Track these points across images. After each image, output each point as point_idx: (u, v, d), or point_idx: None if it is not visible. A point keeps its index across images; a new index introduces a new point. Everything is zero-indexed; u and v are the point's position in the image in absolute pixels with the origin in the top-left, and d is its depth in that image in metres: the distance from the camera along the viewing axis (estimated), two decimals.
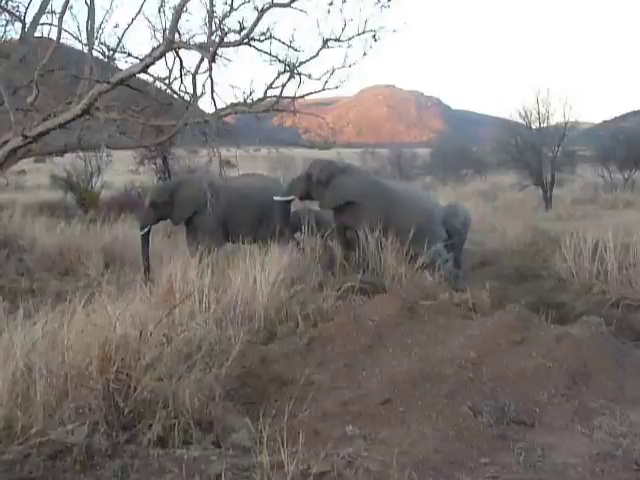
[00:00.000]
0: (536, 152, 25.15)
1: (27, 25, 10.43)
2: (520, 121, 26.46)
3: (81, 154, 20.05)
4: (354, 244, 10.90)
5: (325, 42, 9.48)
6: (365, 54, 9.56)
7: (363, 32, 9.37)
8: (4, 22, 10.50)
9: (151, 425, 4.70)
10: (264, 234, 11.15)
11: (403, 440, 4.63)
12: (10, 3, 10.40)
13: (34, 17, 10.40)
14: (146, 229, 11.73)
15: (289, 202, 11.56)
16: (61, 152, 10.55)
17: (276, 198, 11.29)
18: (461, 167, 36.64)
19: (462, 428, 4.82)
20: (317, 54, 9.63)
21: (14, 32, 10.69)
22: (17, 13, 10.48)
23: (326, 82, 9.79)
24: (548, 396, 5.33)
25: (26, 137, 8.87)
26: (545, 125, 26.01)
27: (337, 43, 9.50)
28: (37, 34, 10.72)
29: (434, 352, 6.12)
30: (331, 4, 9.13)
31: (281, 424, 4.41)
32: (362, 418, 5.05)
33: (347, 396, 5.45)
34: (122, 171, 29.04)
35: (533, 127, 26.21)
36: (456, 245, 12.08)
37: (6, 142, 9.05)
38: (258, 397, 5.63)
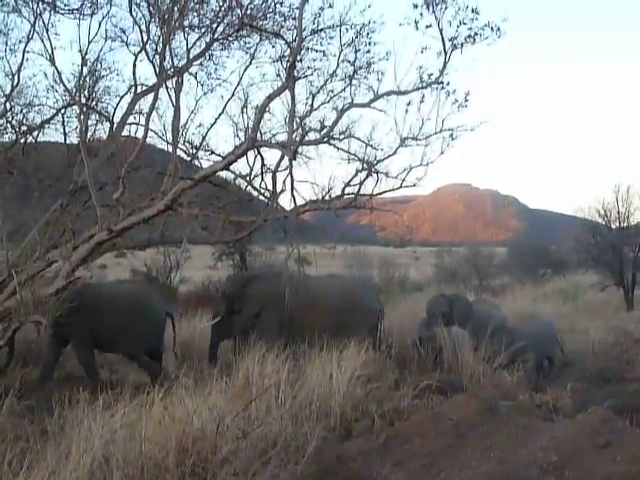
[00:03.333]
0: (617, 252, 24.65)
1: (115, 125, 10.89)
2: (599, 220, 26.07)
3: (161, 249, 20.49)
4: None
5: (403, 140, 9.61)
6: (442, 152, 9.64)
7: (441, 131, 9.47)
8: (94, 122, 10.95)
9: None
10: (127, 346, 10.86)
11: None
12: (100, 104, 10.90)
13: (122, 117, 10.88)
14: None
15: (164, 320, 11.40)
16: (144, 246, 10.79)
17: (206, 324, 11.57)
18: (539, 266, 36.10)
19: None
20: (395, 152, 9.76)
21: (103, 131, 11.15)
22: (106, 114, 10.97)
23: (403, 180, 9.88)
24: None
25: (111, 231, 9.13)
26: (626, 224, 25.55)
27: (415, 141, 9.61)
28: (124, 133, 11.18)
29: (515, 454, 5.92)
30: (409, 104, 9.29)
31: None
32: None
33: None
34: (200, 267, 29.50)
35: (613, 226, 25.77)
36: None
37: (92, 236, 9.33)
38: None
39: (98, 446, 5.01)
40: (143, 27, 9.70)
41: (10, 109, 10.47)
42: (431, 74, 9.21)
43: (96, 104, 10.82)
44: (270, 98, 9.10)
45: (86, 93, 10.43)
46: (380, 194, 10.32)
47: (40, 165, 11.32)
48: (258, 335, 10.79)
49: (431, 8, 8.76)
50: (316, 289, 11.63)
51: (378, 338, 10.95)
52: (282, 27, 9.58)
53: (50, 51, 9.77)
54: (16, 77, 10.30)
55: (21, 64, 10.38)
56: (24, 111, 10.84)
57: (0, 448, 6.44)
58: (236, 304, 11.53)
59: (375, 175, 9.93)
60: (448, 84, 9.24)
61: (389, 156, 9.81)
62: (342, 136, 9.52)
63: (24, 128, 10.85)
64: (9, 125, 10.66)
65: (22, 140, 10.83)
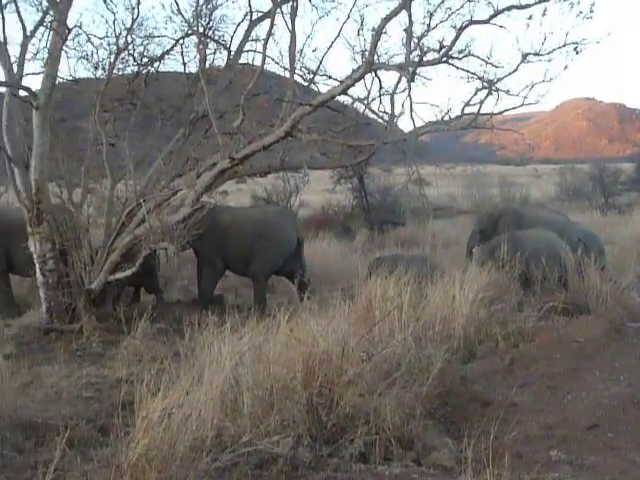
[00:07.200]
0: None
1: (232, 53, 10.96)
2: None
3: (280, 174, 20.70)
4: None
5: (524, 57, 9.30)
6: (566, 67, 9.29)
7: (564, 45, 9.11)
8: (212, 51, 11.05)
9: (353, 440, 4.77)
10: None
11: (613, 468, 4.43)
12: (217, 33, 10.98)
13: (239, 45, 10.93)
14: None
15: None
16: (265, 173, 10.94)
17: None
18: None
19: None
20: (516, 69, 9.46)
21: (221, 60, 11.24)
22: (223, 42, 11.04)
23: (525, 97, 9.59)
24: None
25: (233, 159, 9.28)
26: None
27: (537, 57, 9.29)
28: (241, 60, 11.24)
29: None
30: (530, 18, 8.95)
31: (483, 445, 4.33)
32: (568, 443, 4.87)
33: (551, 419, 5.28)
34: (319, 190, 29.64)
35: None
36: None
37: (214, 164, 9.52)
38: (459, 417, 5.57)
39: (228, 368, 5.20)
40: None
41: (131, 42, 10.67)
42: None
43: (213, 33, 10.90)
44: (386, 19, 8.92)
45: (203, 22, 10.53)
46: (501, 113, 10.08)
47: (161, 95, 11.55)
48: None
49: None
50: (229, 220, 11.48)
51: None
52: None
53: None
54: (136, 10, 10.47)
55: None
56: (144, 43, 11.02)
57: (137, 369, 6.83)
58: None
59: (495, 93, 9.68)
60: None
61: (510, 73, 9.51)
62: (461, 55, 9.27)
63: (145, 60, 11.04)
64: (131, 57, 10.87)
65: (144, 72, 11.04)
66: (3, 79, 9.60)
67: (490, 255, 10.40)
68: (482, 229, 12.62)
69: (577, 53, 9.17)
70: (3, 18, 9.55)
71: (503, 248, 10.29)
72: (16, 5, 9.62)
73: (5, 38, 9.55)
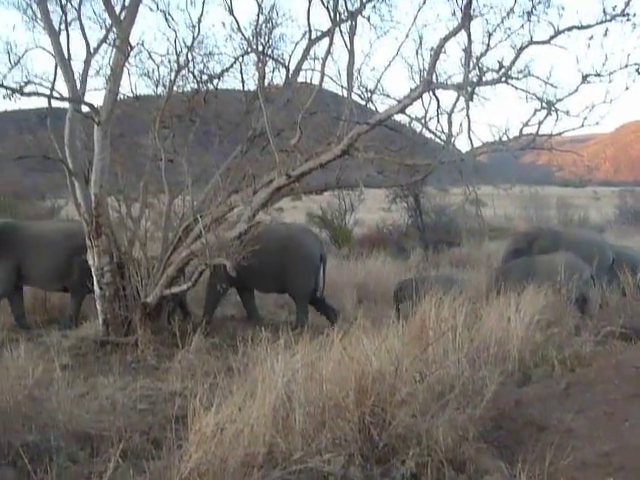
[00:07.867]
0: None
1: (291, 71, 11.05)
2: None
3: (336, 192, 20.74)
4: None
5: (584, 77, 9.18)
6: (627, 88, 9.15)
7: (625, 66, 8.97)
8: (270, 69, 11.14)
9: (404, 461, 4.73)
10: None
11: None
12: (276, 51, 11.08)
13: (297, 63, 11.02)
14: None
15: None
16: (321, 191, 10.98)
17: None
18: None
19: None
20: (576, 90, 9.34)
21: (279, 78, 11.34)
22: (282, 60, 11.14)
23: (585, 118, 9.46)
24: None
25: (289, 177, 9.33)
26: None
27: (597, 78, 9.17)
28: (299, 79, 11.33)
29: None
30: (591, 38, 8.85)
31: (538, 470, 4.26)
32: (625, 471, 4.75)
33: (608, 446, 5.16)
34: (374, 209, 29.65)
35: None
36: None
37: (271, 181, 9.57)
38: (512, 441, 5.49)
39: (281, 384, 5.21)
40: None
41: (192, 59, 10.80)
42: (615, 6, 8.71)
43: (272, 51, 10.99)
44: (445, 39, 8.89)
45: (263, 41, 10.62)
46: (560, 134, 9.96)
47: (220, 112, 11.66)
48: None
49: None
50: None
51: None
52: None
53: (229, 1, 10.03)
54: (196, 28, 10.62)
55: (201, 15, 10.68)
56: (204, 61, 11.14)
57: (191, 383, 6.88)
58: None
59: (555, 114, 9.57)
60: (634, 16, 8.72)
61: (570, 94, 9.39)
62: (520, 75, 9.19)
63: (205, 77, 11.17)
64: (191, 75, 11.01)
65: (203, 89, 11.16)
66: (67, 94, 9.85)
67: (504, 277, 10.45)
68: (518, 248, 12.64)
69: (639, 74, 9.04)
70: (68, 35, 9.88)
71: (516, 271, 10.52)
72: (80, 23, 9.91)
73: (69, 55, 9.84)
